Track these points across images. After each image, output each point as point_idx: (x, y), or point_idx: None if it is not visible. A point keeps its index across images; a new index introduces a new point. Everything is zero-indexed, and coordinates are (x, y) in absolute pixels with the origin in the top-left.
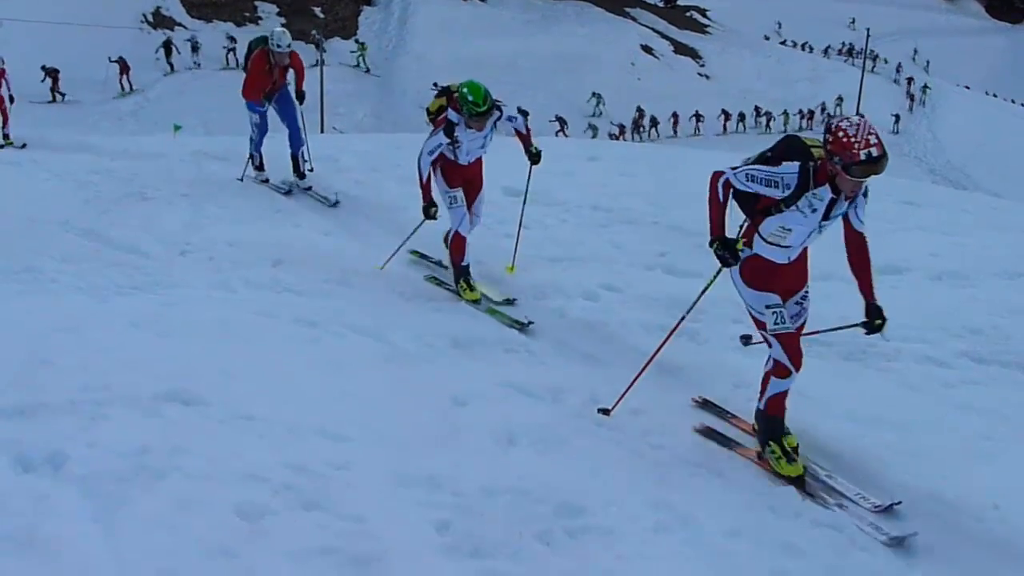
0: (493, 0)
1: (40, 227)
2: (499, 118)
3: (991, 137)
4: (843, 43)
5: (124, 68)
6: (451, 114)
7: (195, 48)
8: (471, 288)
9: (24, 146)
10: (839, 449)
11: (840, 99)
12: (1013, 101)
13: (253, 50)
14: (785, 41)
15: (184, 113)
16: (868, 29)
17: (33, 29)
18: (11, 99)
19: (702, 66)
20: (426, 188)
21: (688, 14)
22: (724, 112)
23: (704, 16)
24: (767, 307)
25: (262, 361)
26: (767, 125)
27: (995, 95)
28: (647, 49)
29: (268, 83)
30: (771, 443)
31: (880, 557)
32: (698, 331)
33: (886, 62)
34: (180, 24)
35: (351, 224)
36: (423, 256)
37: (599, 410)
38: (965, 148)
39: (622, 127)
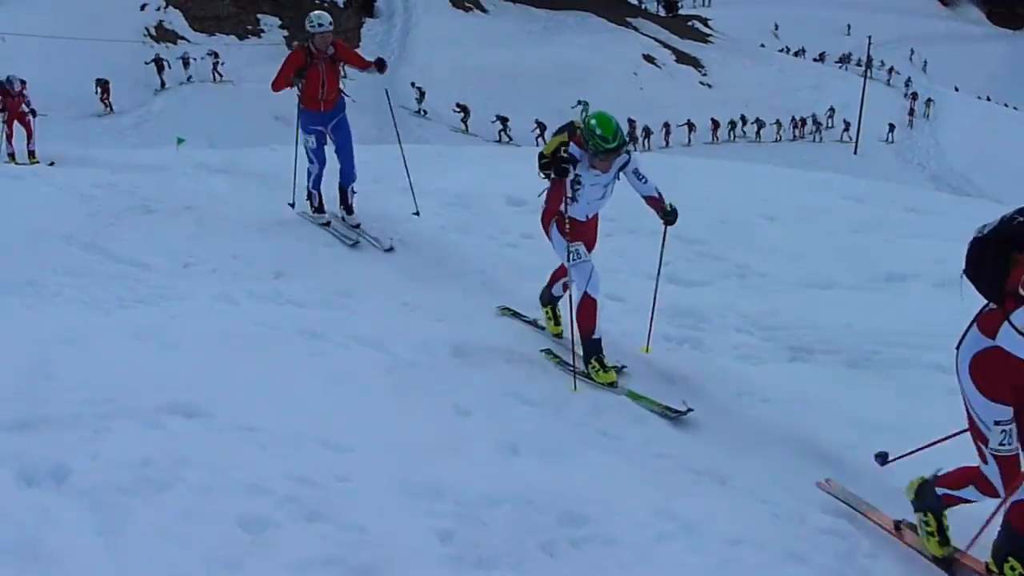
0: (495, 11)
1: (43, 240)
2: (626, 164)
3: (993, 144)
4: (846, 53)
5: (105, 89)
6: (573, 148)
7: (186, 63)
8: (604, 368)
9: (52, 164)
10: (843, 456)
11: (832, 109)
12: (1007, 106)
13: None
14: (799, 53)
15: (186, 126)
16: (870, 37)
17: (36, 44)
18: (33, 113)
19: (704, 75)
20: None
21: (690, 23)
22: (713, 121)
23: (706, 25)
24: (996, 423)
25: (265, 372)
26: (757, 133)
27: (988, 98)
28: (649, 59)
29: (316, 83)
30: (929, 513)
31: (883, 564)
32: (701, 340)
33: (890, 72)
34: (183, 38)
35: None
36: (516, 314)
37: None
38: (967, 155)
39: None
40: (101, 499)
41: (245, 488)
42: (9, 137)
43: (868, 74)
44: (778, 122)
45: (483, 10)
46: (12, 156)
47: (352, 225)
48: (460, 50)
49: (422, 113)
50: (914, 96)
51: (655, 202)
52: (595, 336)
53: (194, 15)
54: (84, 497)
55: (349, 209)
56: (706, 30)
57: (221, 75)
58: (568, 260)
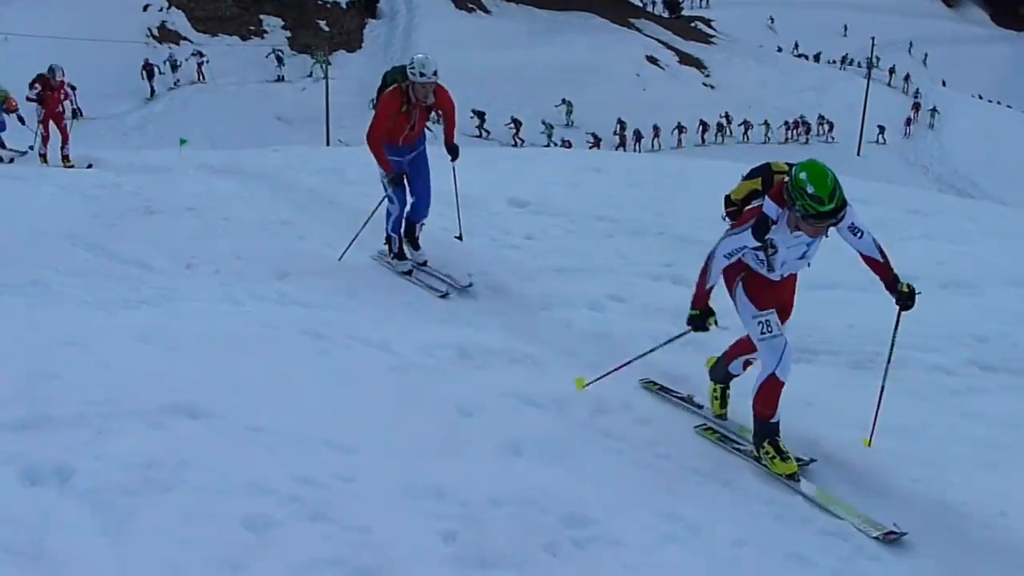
0: (498, 12)
1: (47, 241)
2: (839, 221)
3: (997, 145)
4: (848, 57)
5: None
6: (768, 206)
7: (174, 67)
8: (783, 456)
9: (90, 166)
10: (847, 458)
11: (822, 117)
12: (998, 102)
13: (388, 84)
14: (817, 57)
15: (189, 127)
16: (873, 38)
17: (39, 44)
18: (76, 113)
19: (707, 76)
20: (703, 295)
21: (693, 24)
22: (702, 123)
23: (709, 26)
24: None
25: (268, 373)
26: (745, 135)
27: (980, 96)
28: (652, 60)
29: (403, 127)
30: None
31: (886, 566)
32: (704, 340)
33: (906, 79)
34: (186, 38)
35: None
36: (664, 389)
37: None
38: (971, 156)
39: (595, 138)
40: (104, 499)
41: (248, 488)
42: (45, 138)
43: (889, 81)
44: (766, 123)
45: (486, 11)
46: (44, 157)
47: (418, 263)
48: (463, 51)
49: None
50: (916, 107)
51: (879, 267)
52: (772, 420)
53: (196, 16)
54: (87, 497)
55: (415, 244)
56: (709, 31)
57: (204, 76)
58: (757, 333)
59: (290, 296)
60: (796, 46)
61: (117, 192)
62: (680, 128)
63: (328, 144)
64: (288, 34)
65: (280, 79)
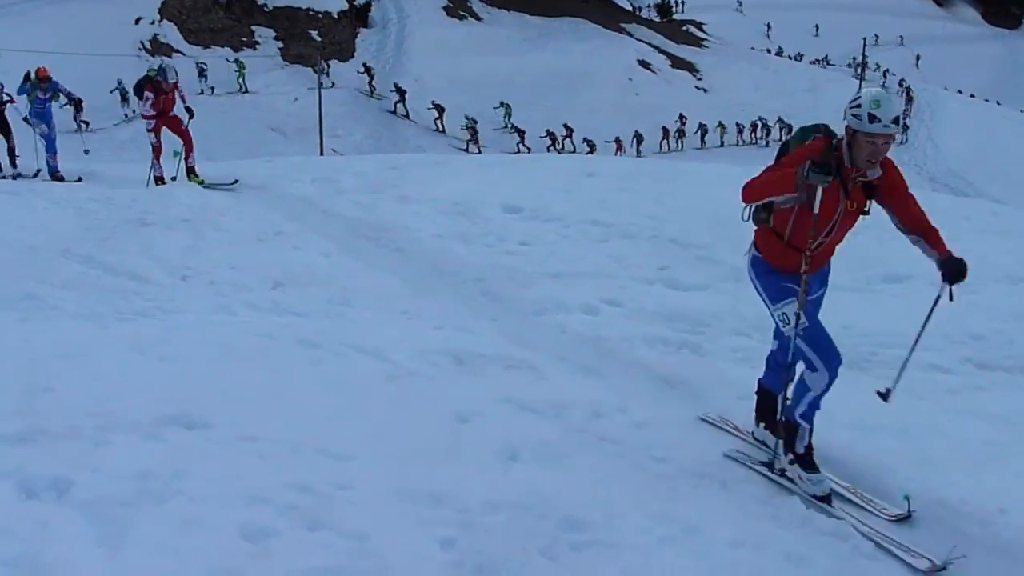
0: (489, 19)
1: (40, 255)
2: None
3: (991, 143)
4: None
5: None
6: None
7: (124, 97)
8: None
9: (235, 181)
10: (844, 457)
11: (780, 119)
12: (989, 100)
13: (802, 139)
14: (787, 54)
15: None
16: (864, 39)
17: (32, 59)
18: (191, 112)
19: (700, 80)
20: None
21: (685, 28)
22: (664, 129)
23: (701, 30)
24: None
25: (264, 383)
26: (702, 140)
27: (961, 91)
28: (644, 64)
29: (824, 222)
30: None
31: (884, 565)
32: (700, 344)
33: (885, 74)
34: (178, 51)
35: (351, 244)
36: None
37: None
38: (965, 155)
39: (519, 131)
40: (102, 511)
41: (245, 498)
42: (157, 151)
43: (861, 75)
44: (721, 124)
45: (477, 18)
46: (161, 179)
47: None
48: (455, 59)
49: (403, 114)
50: (901, 121)
51: None
52: None
53: (188, 28)
54: (85, 509)
55: (776, 429)
56: (700, 34)
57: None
58: None
59: (285, 306)
60: (768, 27)
61: (111, 205)
62: (638, 137)
63: (322, 153)
64: (280, 44)
65: (201, 92)
